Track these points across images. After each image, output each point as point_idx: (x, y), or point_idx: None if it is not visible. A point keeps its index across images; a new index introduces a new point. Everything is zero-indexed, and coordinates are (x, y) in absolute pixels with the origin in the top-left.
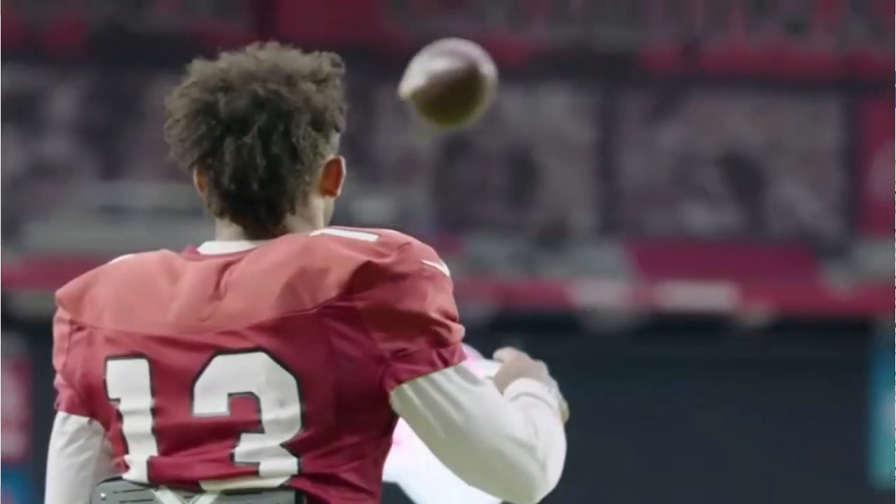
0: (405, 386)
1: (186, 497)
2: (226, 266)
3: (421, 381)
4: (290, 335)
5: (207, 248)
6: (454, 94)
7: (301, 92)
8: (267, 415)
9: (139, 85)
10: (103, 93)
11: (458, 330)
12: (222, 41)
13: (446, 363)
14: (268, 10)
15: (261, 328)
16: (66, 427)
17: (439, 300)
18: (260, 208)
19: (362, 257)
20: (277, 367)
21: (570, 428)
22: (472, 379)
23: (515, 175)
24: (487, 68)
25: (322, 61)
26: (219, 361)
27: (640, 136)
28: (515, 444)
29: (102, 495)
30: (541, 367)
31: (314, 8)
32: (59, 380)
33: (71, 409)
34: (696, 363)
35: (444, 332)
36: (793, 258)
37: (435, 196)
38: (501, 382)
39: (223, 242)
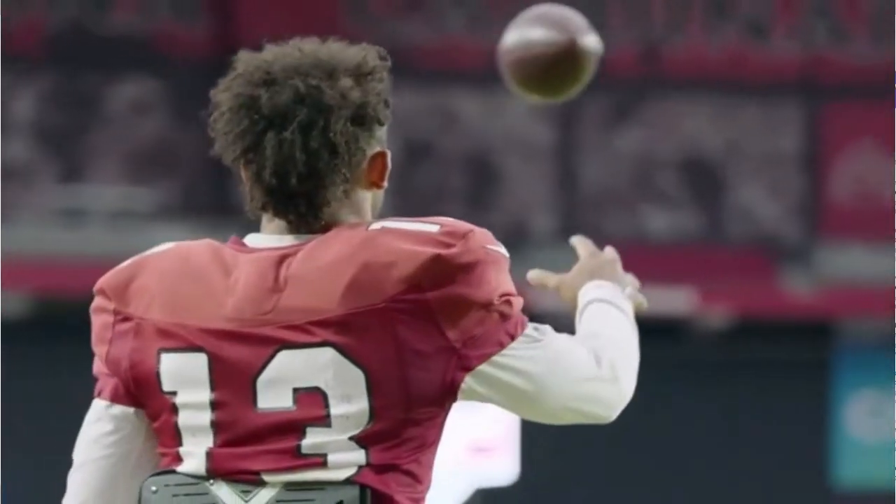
0: (476, 371)
1: (244, 491)
2: (282, 259)
3: (489, 363)
4: (358, 330)
5: (254, 240)
6: (550, 71)
7: (341, 87)
8: (335, 410)
9: (99, 87)
10: (63, 95)
11: (519, 302)
12: (181, 43)
13: (512, 337)
14: (227, 13)
15: (327, 323)
16: (108, 415)
17: (502, 281)
18: (300, 203)
19: (430, 250)
20: (346, 361)
21: (530, 430)
22: (533, 341)
23: (475, 178)
24: (588, 41)
25: (367, 54)
26: (283, 356)
27: (600, 140)
28: (586, 381)
29: (153, 488)
30: (615, 263)
31: (273, 11)
32: (99, 367)
33: (115, 399)
34: (657, 366)
35: (507, 308)
36: (753, 262)
37: (394, 199)
38: (574, 285)
39: (270, 236)
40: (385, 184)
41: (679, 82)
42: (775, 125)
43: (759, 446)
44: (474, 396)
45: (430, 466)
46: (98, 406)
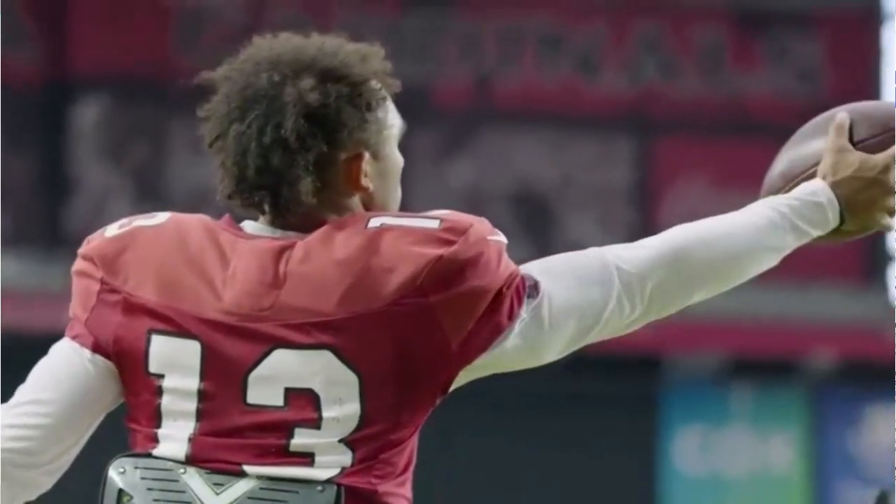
0: (477, 360)
1: (217, 484)
2: (281, 252)
3: (490, 350)
4: (357, 334)
5: (252, 227)
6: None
7: (302, 86)
8: (326, 412)
9: None
10: None
11: (517, 277)
12: (12, 72)
13: (511, 317)
14: (58, 41)
15: (326, 326)
16: (90, 360)
17: (504, 268)
18: (265, 196)
19: (432, 252)
20: (341, 365)
21: None
22: (532, 307)
23: None
24: None
25: (348, 58)
26: (278, 354)
27: (432, 172)
28: (586, 320)
29: (121, 469)
30: (855, 163)
31: (105, 41)
32: (79, 321)
33: (97, 350)
34: (485, 398)
35: (507, 291)
36: None
37: None
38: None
39: (267, 226)
40: (367, 186)
41: (511, 115)
42: (606, 159)
43: (589, 480)
44: (467, 380)
45: (412, 449)
46: (74, 346)
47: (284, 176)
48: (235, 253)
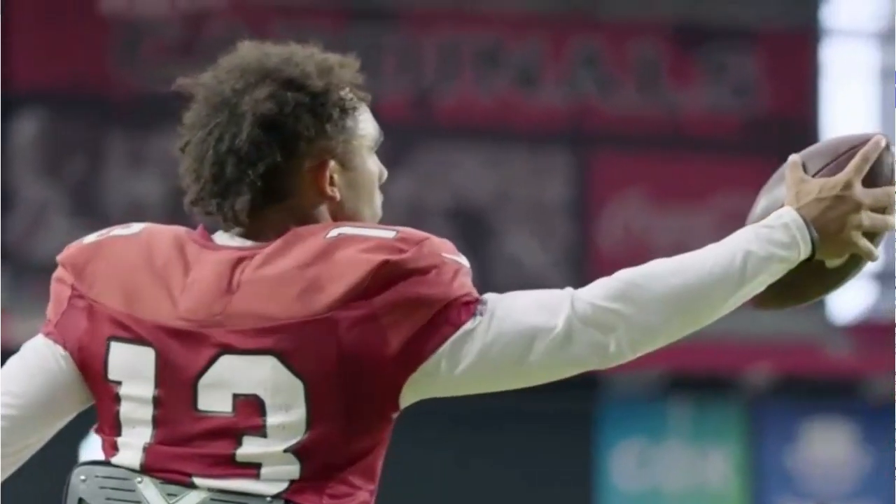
0: (422, 371)
1: (170, 494)
2: (239, 261)
3: (432, 360)
4: (302, 340)
5: (220, 238)
6: None
7: (257, 95)
8: (271, 419)
9: None
10: None
11: (471, 296)
12: None
13: (457, 330)
14: None
15: (272, 331)
16: (62, 356)
17: (457, 284)
18: (224, 206)
19: (379, 257)
20: (286, 371)
21: None
22: (480, 324)
23: None
24: None
25: (313, 67)
26: (225, 360)
27: None
28: (530, 353)
29: (83, 477)
30: (815, 188)
31: (43, 55)
32: (51, 323)
33: (65, 347)
34: (424, 414)
35: (456, 305)
36: None
37: None
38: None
39: (234, 237)
40: (335, 194)
41: (449, 130)
42: (544, 174)
43: (528, 496)
44: (427, 391)
45: (373, 475)
46: (47, 343)
47: (231, 187)
48: (199, 263)
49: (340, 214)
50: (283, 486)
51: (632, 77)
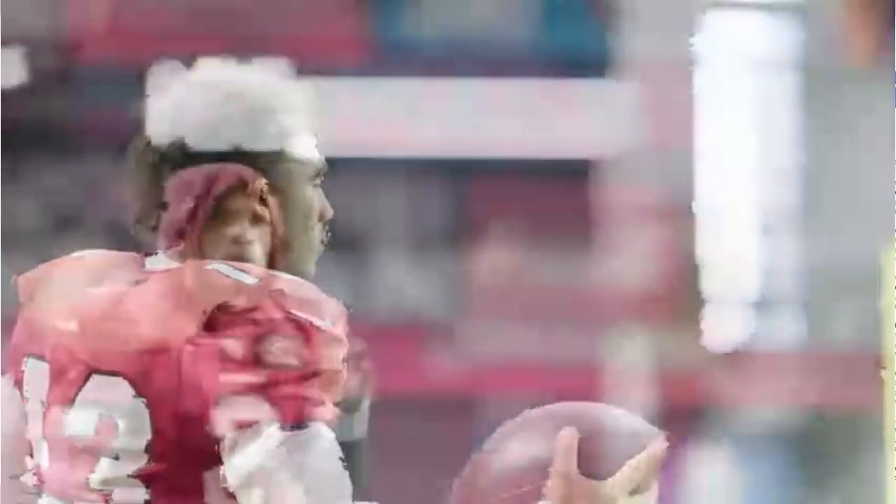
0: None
1: None
2: (137, 283)
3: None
4: (151, 367)
5: (149, 261)
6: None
7: None
8: (122, 442)
9: None
10: None
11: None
12: None
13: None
14: None
15: (128, 355)
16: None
17: (294, 349)
18: (142, 235)
19: (223, 298)
20: (134, 395)
21: None
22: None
23: None
24: None
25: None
26: (94, 381)
27: None
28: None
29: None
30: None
31: None
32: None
33: (17, 385)
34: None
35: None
36: (397, 338)
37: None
38: None
39: (161, 258)
40: (262, 215)
41: (327, 157)
42: (422, 201)
43: None
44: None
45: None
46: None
47: (140, 214)
48: (112, 284)
49: (274, 240)
50: None
51: (510, 105)
